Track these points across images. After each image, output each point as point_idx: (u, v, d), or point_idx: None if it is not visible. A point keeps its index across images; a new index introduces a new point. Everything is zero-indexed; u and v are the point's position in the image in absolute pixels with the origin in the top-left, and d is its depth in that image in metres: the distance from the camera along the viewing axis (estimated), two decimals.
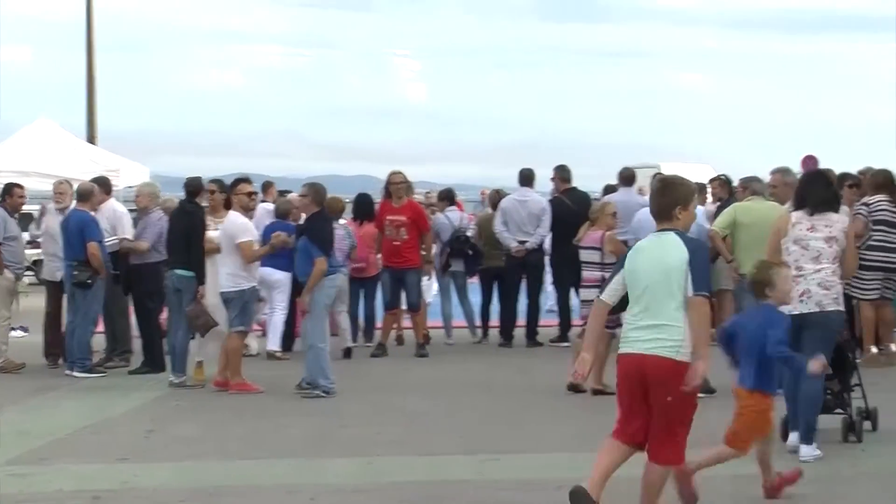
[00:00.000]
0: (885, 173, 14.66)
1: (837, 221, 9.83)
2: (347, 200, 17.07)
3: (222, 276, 13.42)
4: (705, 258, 7.42)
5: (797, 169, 33.90)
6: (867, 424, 10.36)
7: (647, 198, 16.54)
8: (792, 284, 8.85)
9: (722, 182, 17.37)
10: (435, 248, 17.15)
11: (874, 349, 14.05)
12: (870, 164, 15.99)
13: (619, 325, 13.54)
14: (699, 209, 14.41)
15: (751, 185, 13.02)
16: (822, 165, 18.16)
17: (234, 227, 13.45)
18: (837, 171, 16.28)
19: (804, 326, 9.43)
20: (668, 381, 7.23)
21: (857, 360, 13.78)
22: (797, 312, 9.41)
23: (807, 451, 9.47)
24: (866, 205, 14.02)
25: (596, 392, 12.75)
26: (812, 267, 9.63)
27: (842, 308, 9.85)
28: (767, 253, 9.90)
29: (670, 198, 7.47)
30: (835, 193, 10.22)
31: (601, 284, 12.65)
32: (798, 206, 9.91)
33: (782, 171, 12.76)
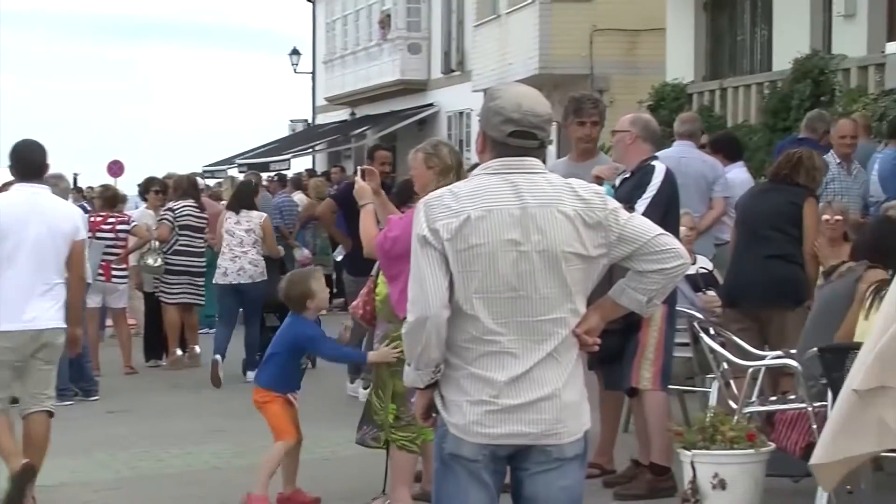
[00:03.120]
0: (190, 178, 14.96)
1: (256, 217, 13.32)
2: None
3: None
4: None
5: (105, 174, 33.66)
6: None
7: None
8: None
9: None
10: None
11: (179, 352, 14.29)
12: (174, 170, 16.27)
13: None
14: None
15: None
16: (129, 170, 18.23)
17: None
18: (145, 175, 16.51)
19: (242, 292, 13.08)
20: None
21: (163, 363, 14.12)
22: (236, 283, 13.06)
23: (251, 375, 12.12)
24: (171, 210, 14.21)
25: None
26: (241, 250, 13.04)
27: (266, 279, 12.89)
28: (216, 243, 13.43)
29: None
30: (252, 196, 13.77)
31: None
32: (229, 207, 13.64)
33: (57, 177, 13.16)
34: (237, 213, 13.33)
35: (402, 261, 6.98)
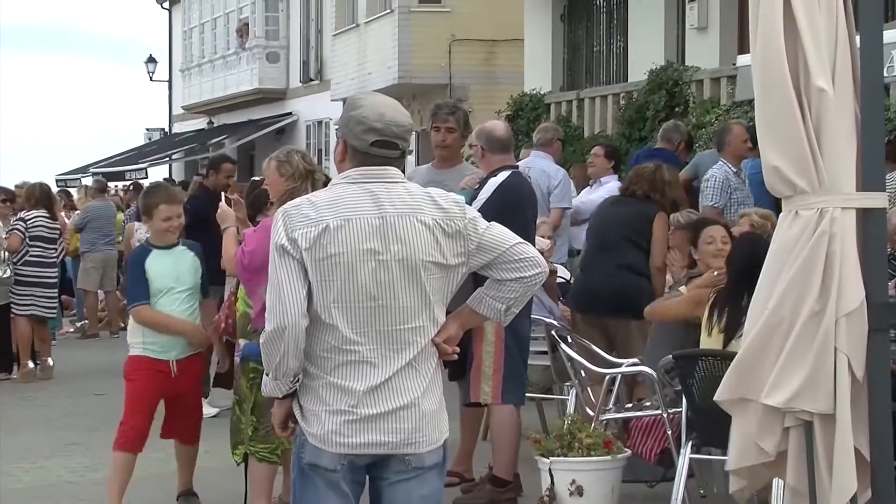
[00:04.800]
0: (43, 187, 14.63)
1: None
2: None
3: None
4: None
5: None
6: None
7: None
8: None
9: None
10: None
11: (31, 364, 14.01)
12: (26, 179, 15.97)
13: None
14: None
15: None
16: None
17: None
18: None
19: None
20: None
21: (14, 376, 13.83)
22: None
23: None
24: (23, 220, 13.93)
25: None
26: None
27: None
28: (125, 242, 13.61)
29: None
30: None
31: None
32: (140, 217, 13.18)
33: None
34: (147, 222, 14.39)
35: (261, 273, 6.95)
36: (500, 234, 4.35)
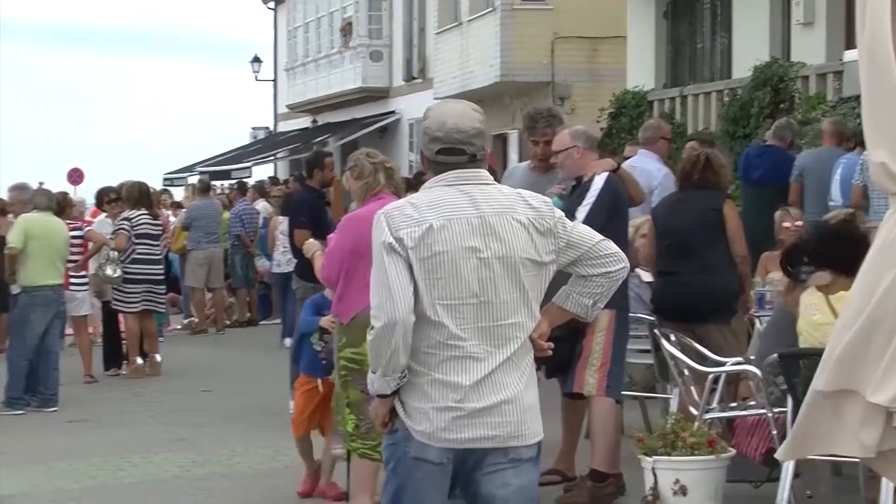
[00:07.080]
0: (142, 187, 14.75)
1: None
2: None
3: None
4: None
5: (66, 182, 33.53)
6: None
7: None
8: None
9: None
10: None
11: (139, 360, 14.23)
12: (128, 178, 16.19)
13: None
14: None
15: (34, 200, 12.77)
16: (88, 179, 18.08)
17: None
18: (101, 184, 16.41)
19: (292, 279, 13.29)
20: None
21: (124, 372, 14.05)
22: (287, 271, 13.82)
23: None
24: (128, 219, 14.14)
25: None
26: None
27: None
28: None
29: None
30: None
31: None
32: (282, 213, 15.26)
33: (19, 188, 13.39)
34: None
35: (345, 271, 7.16)
36: (585, 232, 4.46)
